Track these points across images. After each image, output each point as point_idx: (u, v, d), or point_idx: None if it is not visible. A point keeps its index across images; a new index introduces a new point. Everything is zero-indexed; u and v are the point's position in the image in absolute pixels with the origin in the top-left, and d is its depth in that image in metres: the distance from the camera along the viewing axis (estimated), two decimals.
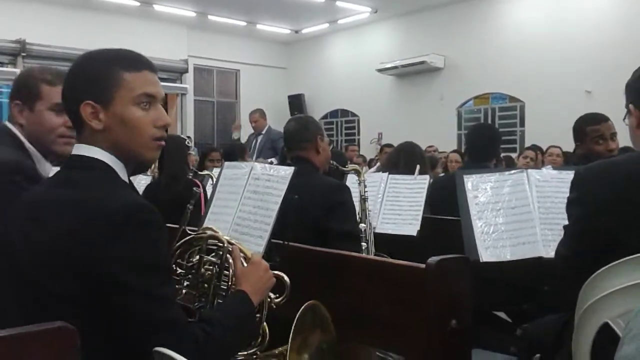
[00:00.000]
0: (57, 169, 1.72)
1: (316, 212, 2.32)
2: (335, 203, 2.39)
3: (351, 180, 3.12)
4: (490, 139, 3.48)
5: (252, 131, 7.86)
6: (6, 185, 1.59)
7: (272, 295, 1.55)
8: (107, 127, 1.34)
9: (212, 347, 1.29)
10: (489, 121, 10.44)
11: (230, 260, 1.56)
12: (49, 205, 1.30)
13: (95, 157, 1.34)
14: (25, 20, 10.05)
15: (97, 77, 1.35)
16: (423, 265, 1.63)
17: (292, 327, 1.43)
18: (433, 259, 1.60)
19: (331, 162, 2.80)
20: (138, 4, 10.65)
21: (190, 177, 4.33)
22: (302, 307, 1.48)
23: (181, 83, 12.27)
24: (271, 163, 3.97)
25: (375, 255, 2.68)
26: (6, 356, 0.93)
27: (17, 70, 9.97)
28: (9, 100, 1.86)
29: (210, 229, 1.66)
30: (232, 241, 1.61)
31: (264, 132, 7.64)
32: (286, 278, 1.56)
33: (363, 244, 2.64)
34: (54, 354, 0.96)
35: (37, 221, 1.30)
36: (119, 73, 1.35)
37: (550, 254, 2.18)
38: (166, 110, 1.45)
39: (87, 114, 1.34)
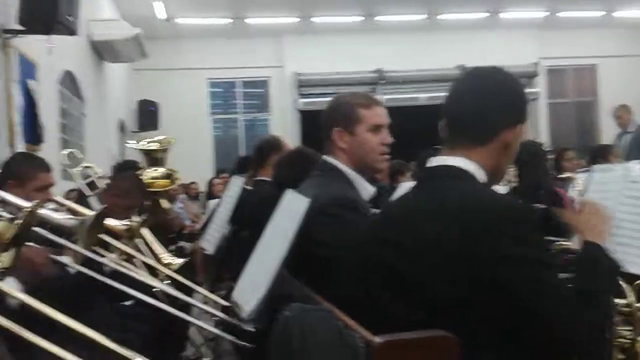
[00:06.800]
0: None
1: None
2: None
3: None
4: None
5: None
6: (327, 218, 1.76)
7: None
8: None
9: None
10: None
11: None
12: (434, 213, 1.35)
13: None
14: (379, 50, 11.13)
15: None
16: None
17: None
18: None
19: None
20: (486, 14, 10.81)
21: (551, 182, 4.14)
22: None
23: (530, 88, 11.89)
24: None
25: None
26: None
27: (378, 97, 11.12)
28: (325, 129, 2.00)
29: None
30: None
31: (630, 129, 7.05)
32: None
33: None
34: None
35: (415, 230, 1.36)
36: None
37: None
38: None
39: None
